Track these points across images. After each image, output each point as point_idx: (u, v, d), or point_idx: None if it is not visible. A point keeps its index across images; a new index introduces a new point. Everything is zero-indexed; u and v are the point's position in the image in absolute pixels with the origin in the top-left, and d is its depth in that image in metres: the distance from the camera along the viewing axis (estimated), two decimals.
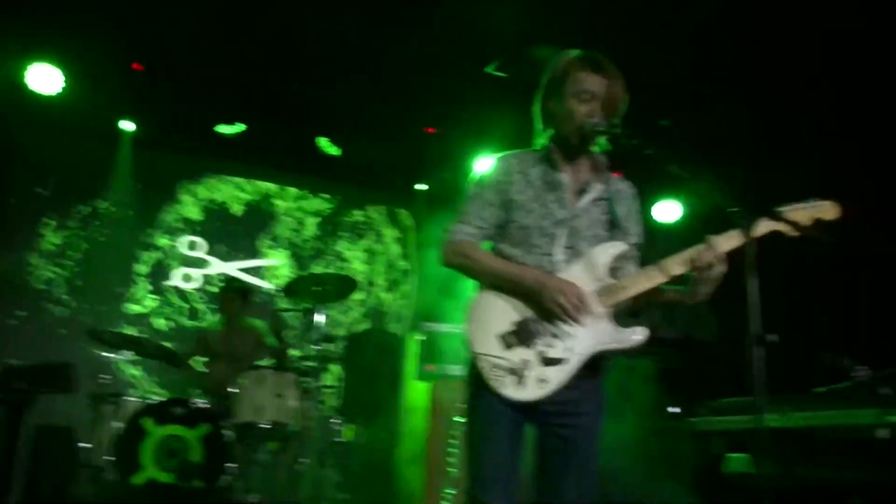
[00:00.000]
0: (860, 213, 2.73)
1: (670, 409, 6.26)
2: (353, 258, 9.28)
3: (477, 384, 2.66)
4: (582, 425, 2.70)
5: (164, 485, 5.55)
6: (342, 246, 9.23)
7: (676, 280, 2.70)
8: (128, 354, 6.14)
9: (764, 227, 2.61)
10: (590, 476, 2.69)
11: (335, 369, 7.91)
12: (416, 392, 7.25)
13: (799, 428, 4.38)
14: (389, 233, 9.46)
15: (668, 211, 7.75)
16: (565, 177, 2.82)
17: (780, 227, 2.62)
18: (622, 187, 2.94)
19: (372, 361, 8.12)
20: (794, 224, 2.59)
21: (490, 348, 2.63)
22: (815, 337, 4.34)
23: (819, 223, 2.67)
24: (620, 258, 2.77)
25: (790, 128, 6.43)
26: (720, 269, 2.61)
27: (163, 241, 8.28)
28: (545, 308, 2.62)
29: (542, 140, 2.91)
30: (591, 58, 2.79)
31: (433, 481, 6.37)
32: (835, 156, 6.07)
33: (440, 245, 2.88)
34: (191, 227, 8.42)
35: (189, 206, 8.43)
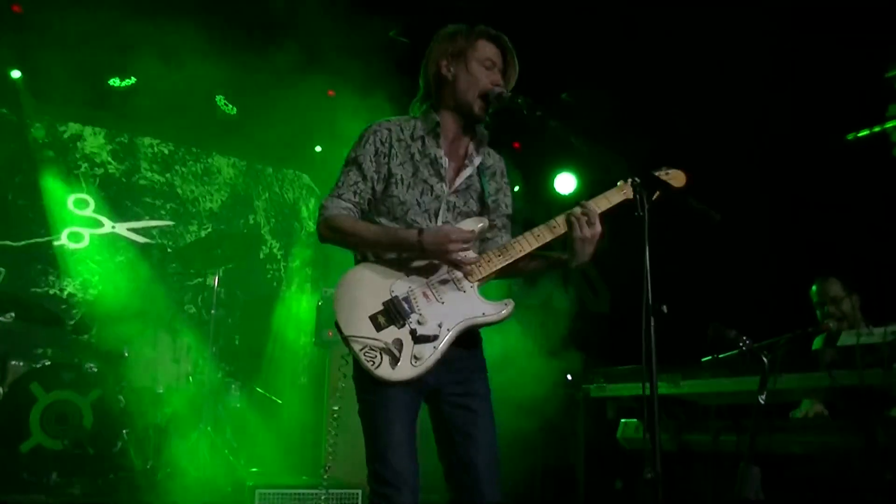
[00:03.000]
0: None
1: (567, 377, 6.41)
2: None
3: (362, 370, 2.59)
4: (479, 394, 2.74)
5: (53, 451, 5.38)
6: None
7: (552, 245, 2.75)
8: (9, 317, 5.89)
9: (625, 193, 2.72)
10: (494, 435, 2.72)
11: (233, 334, 7.78)
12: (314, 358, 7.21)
13: (687, 394, 4.54)
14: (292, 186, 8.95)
15: (565, 183, 7.76)
16: (445, 152, 2.81)
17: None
18: (493, 161, 2.96)
19: (269, 326, 8.04)
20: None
21: (361, 330, 2.57)
22: (703, 309, 4.48)
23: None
24: (483, 232, 2.78)
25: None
26: (597, 228, 2.65)
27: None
28: (436, 256, 2.60)
29: (417, 109, 2.89)
30: (489, 30, 2.85)
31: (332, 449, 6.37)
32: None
33: (317, 220, 2.77)
34: None
35: None
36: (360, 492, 5.17)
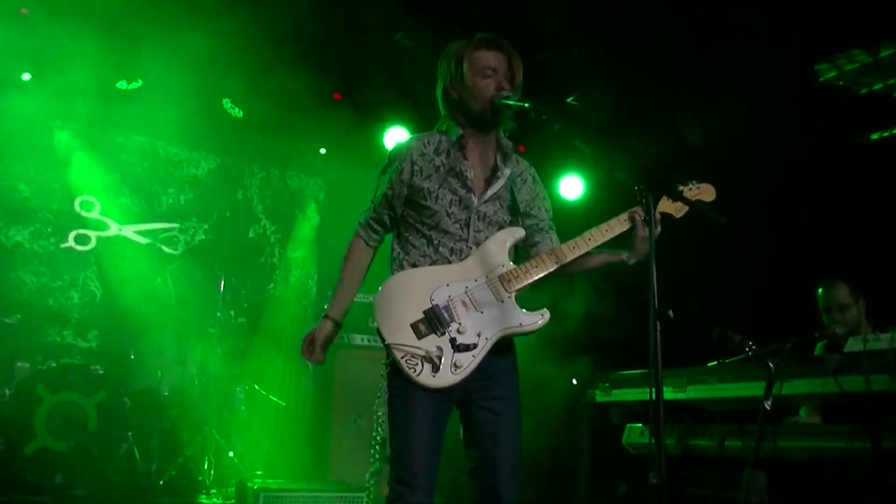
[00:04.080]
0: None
1: (572, 381, 6.40)
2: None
3: (396, 374, 2.69)
4: (505, 396, 2.80)
5: (59, 453, 5.39)
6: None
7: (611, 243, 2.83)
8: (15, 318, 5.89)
9: (663, 205, 2.82)
10: (517, 436, 2.79)
11: (239, 336, 7.78)
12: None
13: (692, 399, 4.53)
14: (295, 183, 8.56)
15: (570, 187, 7.72)
16: (472, 164, 2.85)
17: (672, 207, 2.84)
18: (523, 168, 3.01)
19: (278, 328, 8.03)
20: (686, 203, 2.76)
21: (403, 338, 2.65)
22: (709, 313, 4.48)
23: (700, 203, 2.86)
24: (520, 242, 2.88)
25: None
26: (658, 228, 2.73)
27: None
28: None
29: (443, 124, 2.93)
30: (484, 37, 2.86)
31: (337, 451, 6.38)
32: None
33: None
34: None
35: None
36: (363, 495, 5.18)
